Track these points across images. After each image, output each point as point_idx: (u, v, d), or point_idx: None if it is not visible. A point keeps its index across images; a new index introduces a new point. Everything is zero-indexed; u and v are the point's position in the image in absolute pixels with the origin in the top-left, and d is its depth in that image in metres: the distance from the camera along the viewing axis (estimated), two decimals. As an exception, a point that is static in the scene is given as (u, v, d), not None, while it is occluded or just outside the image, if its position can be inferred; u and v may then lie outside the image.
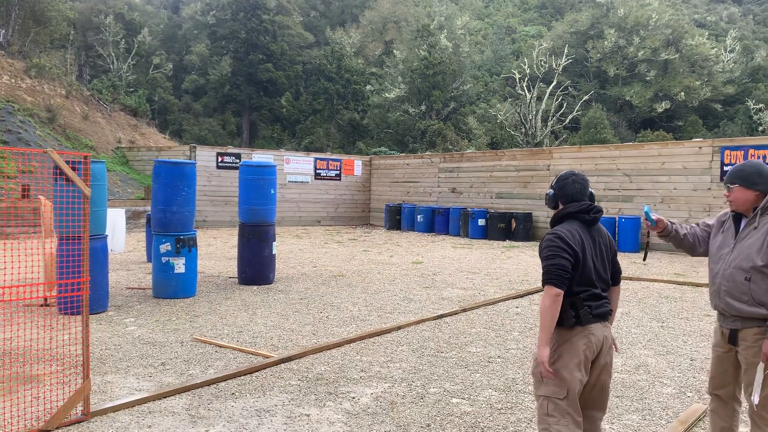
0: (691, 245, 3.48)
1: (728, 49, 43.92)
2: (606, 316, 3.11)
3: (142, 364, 5.33)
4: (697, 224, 3.52)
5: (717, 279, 3.22)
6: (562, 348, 3.01)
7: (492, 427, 4.07)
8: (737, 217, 3.25)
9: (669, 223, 3.47)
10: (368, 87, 44.01)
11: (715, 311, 3.31)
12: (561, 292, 2.94)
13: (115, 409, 4.23)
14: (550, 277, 2.96)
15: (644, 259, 4.42)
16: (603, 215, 3.21)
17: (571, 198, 3.17)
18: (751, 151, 13.85)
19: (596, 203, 3.22)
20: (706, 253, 3.46)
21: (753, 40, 49.21)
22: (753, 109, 38.46)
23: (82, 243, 4.05)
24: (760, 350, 3.02)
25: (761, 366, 3.00)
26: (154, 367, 5.24)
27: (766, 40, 50.73)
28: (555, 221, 3.20)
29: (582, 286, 3.03)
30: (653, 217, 3.43)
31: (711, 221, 3.46)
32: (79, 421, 3.99)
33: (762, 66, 44.78)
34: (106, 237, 7.63)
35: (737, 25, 51.37)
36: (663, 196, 15.47)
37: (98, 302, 7.36)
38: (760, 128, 37.47)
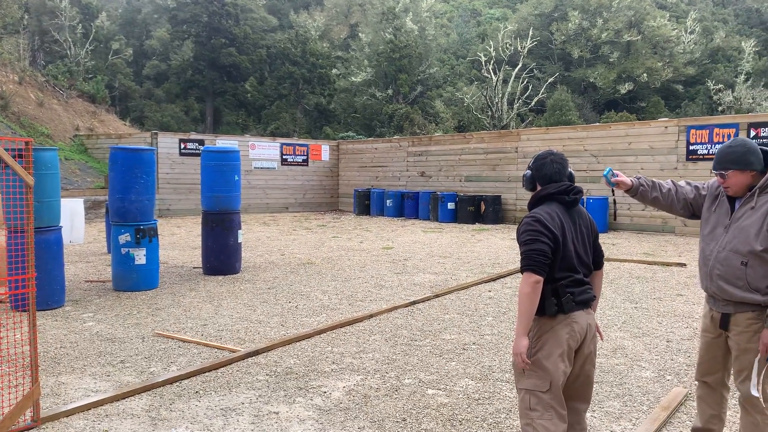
0: (667, 206, 3.27)
1: (689, 31, 44.46)
2: (589, 302, 2.94)
3: (100, 362, 5.04)
4: (688, 183, 3.28)
5: (710, 261, 3.03)
6: (544, 338, 2.84)
7: (470, 419, 3.91)
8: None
9: (635, 181, 3.26)
10: (334, 71, 43.42)
11: (704, 293, 3.15)
12: (541, 278, 2.76)
13: (69, 413, 3.94)
14: (529, 263, 2.78)
15: (614, 219, 4.18)
16: None
17: (550, 179, 2.99)
18: (716, 130, 13.95)
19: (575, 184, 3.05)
20: (685, 215, 3.27)
21: (712, 22, 49.95)
22: (713, 89, 39.08)
23: (26, 236, 3.74)
24: (753, 335, 2.88)
25: (759, 357, 2.86)
26: (112, 366, 4.95)
27: (724, 22, 51.57)
28: (533, 203, 3.00)
29: (563, 272, 2.85)
30: (613, 180, 3.26)
31: (703, 187, 3.21)
32: (28, 429, 3.70)
33: (721, 47, 45.52)
34: (60, 228, 7.25)
35: (697, 7, 52.01)
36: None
37: (54, 297, 7.01)
38: (720, 108, 38.13)
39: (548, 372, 2.80)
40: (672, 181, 3.29)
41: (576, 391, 2.98)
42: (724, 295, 2.96)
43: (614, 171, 3.29)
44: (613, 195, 3.55)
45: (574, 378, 2.93)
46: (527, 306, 2.77)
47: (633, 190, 3.27)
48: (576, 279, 2.89)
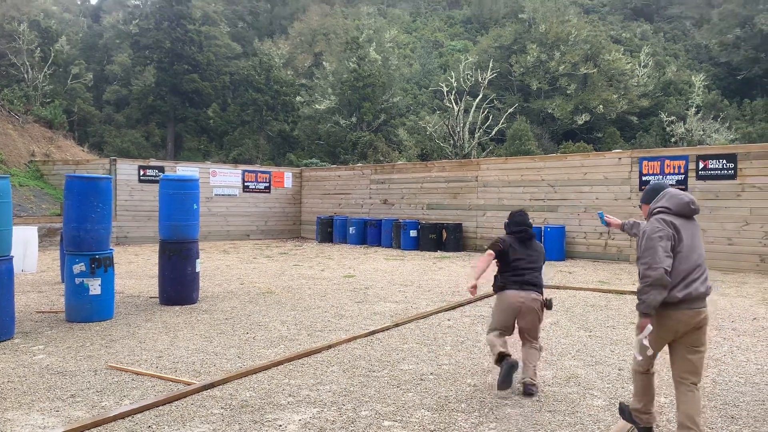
0: None
1: (642, 64, 46.17)
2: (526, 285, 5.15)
3: (49, 396, 4.91)
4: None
5: (703, 265, 4.04)
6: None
7: (425, 450, 3.93)
8: None
9: (624, 222, 4.68)
10: (298, 98, 43.64)
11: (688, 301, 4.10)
12: (492, 252, 5.17)
13: (14, 451, 3.83)
14: (489, 246, 5.25)
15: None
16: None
17: (517, 225, 5.32)
18: (667, 161, 14.45)
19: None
20: None
21: (664, 56, 51.97)
22: (666, 121, 40.51)
23: (-26, 269, 3.66)
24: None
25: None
26: (62, 400, 4.83)
27: (675, 56, 53.66)
28: None
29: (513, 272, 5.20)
30: (606, 220, 4.77)
31: (675, 234, 4.03)
32: (-30, 468, 3.58)
33: (673, 80, 47.33)
34: (11, 258, 7.06)
35: (650, 42, 54.10)
36: (586, 206, 15.92)
37: (2, 329, 6.79)
38: (672, 139, 39.48)
39: (495, 317, 5.24)
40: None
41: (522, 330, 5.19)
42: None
43: (606, 215, 4.79)
44: (609, 231, 4.89)
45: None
46: (481, 265, 5.12)
47: (621, 228, 4.68)
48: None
